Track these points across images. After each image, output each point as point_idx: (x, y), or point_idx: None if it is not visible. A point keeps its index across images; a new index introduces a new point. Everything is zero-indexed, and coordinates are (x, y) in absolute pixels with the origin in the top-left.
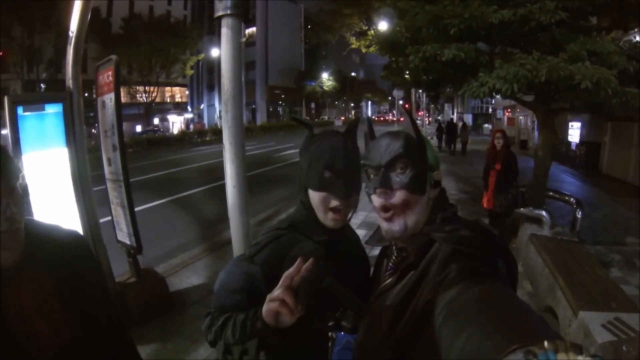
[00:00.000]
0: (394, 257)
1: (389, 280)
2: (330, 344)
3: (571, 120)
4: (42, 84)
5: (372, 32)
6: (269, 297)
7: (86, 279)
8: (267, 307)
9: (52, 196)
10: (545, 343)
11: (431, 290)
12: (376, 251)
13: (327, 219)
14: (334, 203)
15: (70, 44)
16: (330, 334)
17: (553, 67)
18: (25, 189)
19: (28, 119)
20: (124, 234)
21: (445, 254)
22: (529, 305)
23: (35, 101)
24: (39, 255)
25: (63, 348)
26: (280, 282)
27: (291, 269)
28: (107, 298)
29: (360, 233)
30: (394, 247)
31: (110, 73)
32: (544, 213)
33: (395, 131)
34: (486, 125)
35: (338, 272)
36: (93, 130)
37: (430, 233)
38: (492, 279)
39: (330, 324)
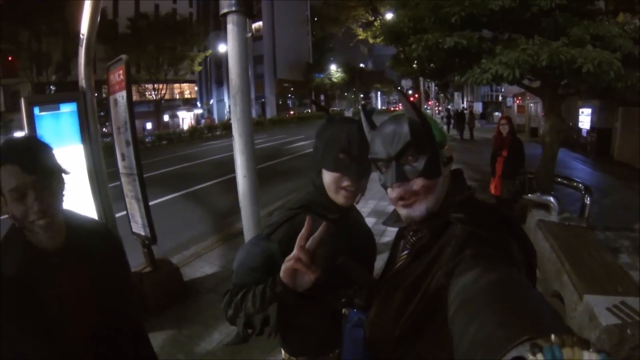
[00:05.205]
0: (410, 238)
1: (404, 260)
2: (343, 321)
3: (582, 107)
4: (51, 87)
5: (378, 22)
6: (285, 259)
7: (114, 269)
8: (284, 267)
9: (69, 191)
10: (552, 337)
11: (444, 274)
12: (384, 238)
13: (339, 196)
14: (346, 183)
15: (81, 46)
16: (343, 311)
17: (554, 52)
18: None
19: (44, 119)
20: (138, 226)
21: (461, 237)
22: (542, 294)
23: (51, 101)
24: (78, 244)
25: (97, 330)
26: (296, 244)
27: (303, 230)
28: (128, 287)
29: (370, 221)
30: (410, 228)
31: (121, 72)
32: (551, 199)
33: (395, 116)
34: (496, 113)
35: (347, 248)
36: (104, 129)
37: (447, 214)
38: (506, 266)
39: (343, 300)
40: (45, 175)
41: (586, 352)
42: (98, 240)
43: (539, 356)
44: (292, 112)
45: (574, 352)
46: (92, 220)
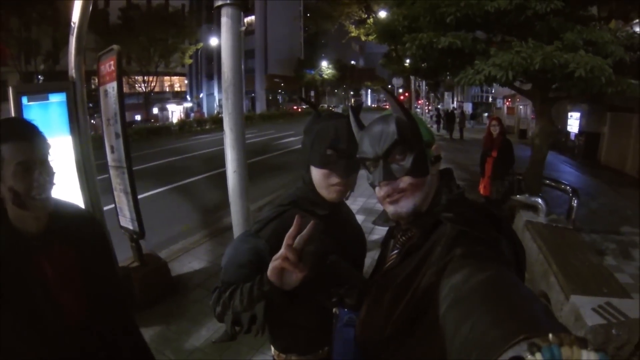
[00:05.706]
0: (400, 237)
1: (394, 259)
2: (333, 320)
3: (570, 111)
4: (40, 76)
5: (371, 20)
6: (273, 258)
7: (99, 255)
8: (272, 266)
9: (57, 183)
10: (550, 336)
11: (435, 273)
12: (373, 235)
13: (328, 192)
14: (334, 180)
15: (72, 34)
16: (333, 310)
17: (547, 55)
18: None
19: (32, 109)
20: (127, 220)
21: (451, 235)
22: (534, 293)
23: (39, 91)
24: (62, 228)
25: (84, 319)
26: (283, 242)
27: (291, 229)
28: (115, 275)
29: (359, 218)
30: (400, 227)
31: (112, 62)
32: (539, 201)
33: (384, 115)
34: (486, 114)
35: (337, 245)
36: (92, 121)
37: (437, 214)
38: (497, 264)
39: (333, 300)
40: (47, 153)
41: (584, 351)
42: (81, 225)
43: (538, 356)
44: (295, 107)
45: (572, 351)
46: (75, 205)
